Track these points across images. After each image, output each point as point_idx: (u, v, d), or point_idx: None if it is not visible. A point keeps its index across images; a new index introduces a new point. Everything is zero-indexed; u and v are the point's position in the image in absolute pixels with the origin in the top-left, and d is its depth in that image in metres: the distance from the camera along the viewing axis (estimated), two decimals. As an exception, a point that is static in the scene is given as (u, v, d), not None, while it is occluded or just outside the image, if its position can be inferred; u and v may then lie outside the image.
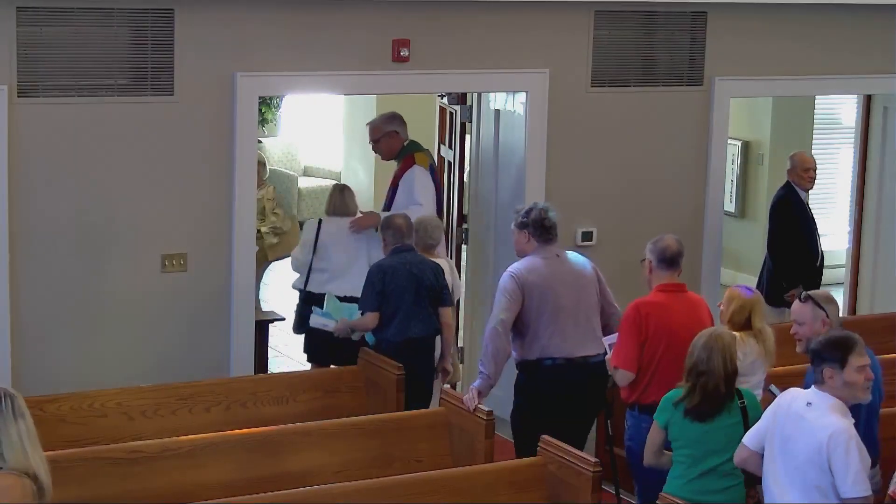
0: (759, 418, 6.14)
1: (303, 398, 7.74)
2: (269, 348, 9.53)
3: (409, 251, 8.09)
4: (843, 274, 11.86)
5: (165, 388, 7.52)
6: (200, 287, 8.36)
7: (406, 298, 7.92)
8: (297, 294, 9.17)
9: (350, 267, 8.87)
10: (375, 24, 8.61)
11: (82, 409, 7.22)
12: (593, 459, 6.28)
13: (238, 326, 8.48)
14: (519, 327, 7.33)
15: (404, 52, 8.67)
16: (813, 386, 5.65)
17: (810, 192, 10.16)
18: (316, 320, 8.48)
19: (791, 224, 9.87)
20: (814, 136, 13.46)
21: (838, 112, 13.77)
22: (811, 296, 6.53)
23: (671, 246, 7.13)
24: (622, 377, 6.98)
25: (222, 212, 8.37)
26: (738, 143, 13.22)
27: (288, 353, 10.96)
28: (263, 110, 16.02)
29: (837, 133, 13.78)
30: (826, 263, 10.46)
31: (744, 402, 6.29)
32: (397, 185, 9.18)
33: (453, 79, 9.05)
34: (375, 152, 9.55)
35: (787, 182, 10.00)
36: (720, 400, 6.23)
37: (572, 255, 7.64)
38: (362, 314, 8.08)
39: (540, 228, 7.47)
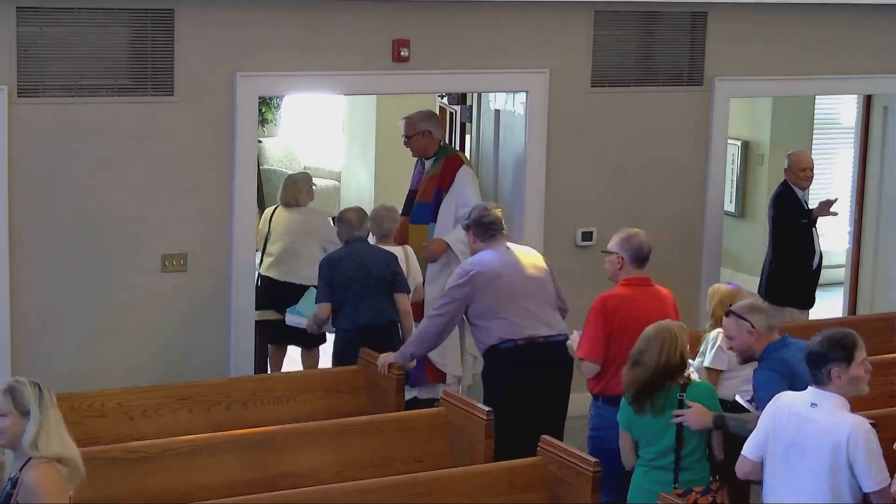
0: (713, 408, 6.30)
1: (303, 398, 7.74)
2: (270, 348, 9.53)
3: (359, 241, 8.31)
4: (843, 274, 11.85)
5: (165, 388, 7.52)
6: (200, 287, 8.37)
7: (353, 287, 8.13)
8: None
9: (290, 256, 9.55)
10: (375, 24, 8.61)
11: (82, 409, 7.22)
12: (593, 459, 6.28)
13: (238, 326, 8.48)
14: (478, 315, 7.55)
15: (404, 52, 8.67)
16: (812, 387, 5.63)
17: (811, 191, 10.15)
18: (291, 319, 8.84)
19: (790, 217, 9.90)
20: (814, 136, 13.45)
21: (838, 112, 13.76)
22: (732, 310, 6.55)
23: (645, 245, 7.27)
24: (588, 368, 7.08)
25: (222, 212, 8.38)
26: (738, 143, 13.21)
27: (288, 353, 10.94)
28: (263, 110, 16.01)
29: (837, 133, 13.77)
30: (826, 263, 10.42)
31: (682, 396, 6.33)
32: (440, 186, 9.18)
33: (453, 79, 9.05)
34: (407, 147, 9.51)
35: (785, 181, 10.02)
36: (650, 389, 6.30)
37: (524, 248, 7.89)
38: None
39: (480, 226, 7.70)
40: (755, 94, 11.46)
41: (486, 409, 6.94)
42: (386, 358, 7.67)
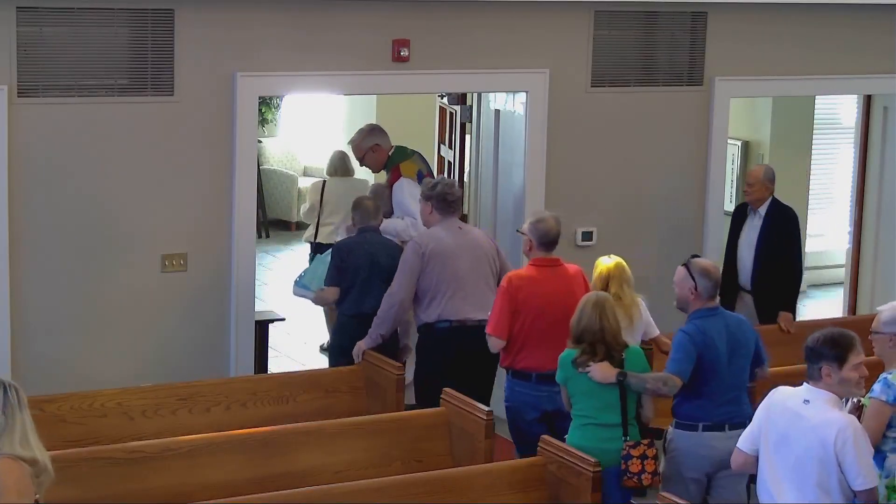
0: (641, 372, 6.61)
1: (303, 398, 7.75)
2: (269, 348, 9.53)
3: (372, 231, 8.49)
4: (843, 274, 11.86)
5: (165, 388, 7.53)
6: (200, 287, 8.37)
7: (360, 275, 8.31)
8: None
9: (348, 220, 9.67)
10: (375, 24, 8.61)
11: (82, 409, 7.23)
12: (593, 459, 6.29)
13: (238, 326, 8.48)
14: (420, 291, 7.90)
15: (404, 52, 8.67)
16: (806, 383, 5.69)
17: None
18: (297, 291, 9.03)
19: (730, 233, 9.40)
20: (814, 136, 13.45)
21: (838, 112, 13.77)
22: (689, 263, 6.74)
23: (553, 229, 7.53)
24: (493, 343, 7.42)
25: (222, 212, 8.38)
26: (738, 143, 13.21)
27: (288, 353, 10.97)
28: (263, 110, 16.02)
29: (837, 133, 13.77)
30: (826, 263, 10.29)
31: (622, 356, 6.63)
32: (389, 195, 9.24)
33: (453, 79, 9.05)
34: (364, 166, 9.65)
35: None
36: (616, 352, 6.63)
37: (472, 228, 8.38)
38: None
39: (442, 203, 8.02)
40: (755, 94, 11.46)
41: (486, 409, 6.97)
42: (359, 346, 7.93)
